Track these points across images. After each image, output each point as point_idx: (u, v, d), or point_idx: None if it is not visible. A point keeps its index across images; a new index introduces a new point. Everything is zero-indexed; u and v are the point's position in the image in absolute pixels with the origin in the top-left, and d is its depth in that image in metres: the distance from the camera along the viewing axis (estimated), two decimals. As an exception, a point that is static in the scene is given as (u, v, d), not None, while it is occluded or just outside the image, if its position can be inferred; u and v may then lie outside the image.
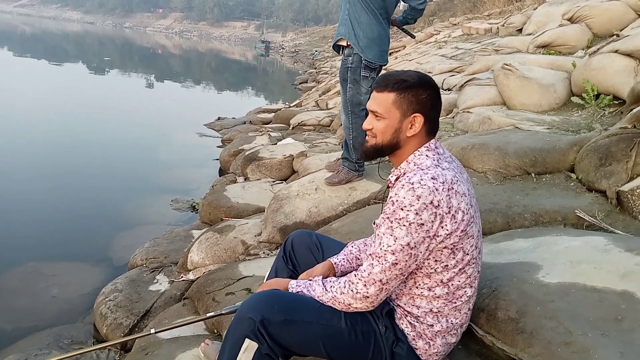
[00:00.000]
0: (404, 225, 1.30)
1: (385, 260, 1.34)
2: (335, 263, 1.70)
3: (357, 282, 1.39)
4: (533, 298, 1.58)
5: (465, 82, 5.36)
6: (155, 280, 3.18)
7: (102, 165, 6.68)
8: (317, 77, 18.88)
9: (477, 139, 3.33)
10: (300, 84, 19.05)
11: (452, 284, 1.41)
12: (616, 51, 3.98)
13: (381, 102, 1.42)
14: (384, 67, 3.24)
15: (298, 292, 1.51)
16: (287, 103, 12.24)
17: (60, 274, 3.62)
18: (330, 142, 5.53)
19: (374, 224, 1.50)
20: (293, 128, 7.27)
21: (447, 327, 1.45)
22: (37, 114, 9.29)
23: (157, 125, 9.98)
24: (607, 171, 2.56)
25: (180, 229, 4.15)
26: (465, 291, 1.44)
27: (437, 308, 1.43)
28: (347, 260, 1.71)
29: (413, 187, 1.30)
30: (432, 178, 1.32)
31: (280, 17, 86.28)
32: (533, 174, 2.90)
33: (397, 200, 1.31)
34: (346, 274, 1.67)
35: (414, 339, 1.46)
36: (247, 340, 1.37)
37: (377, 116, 1.44)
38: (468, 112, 4.49)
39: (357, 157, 3.35)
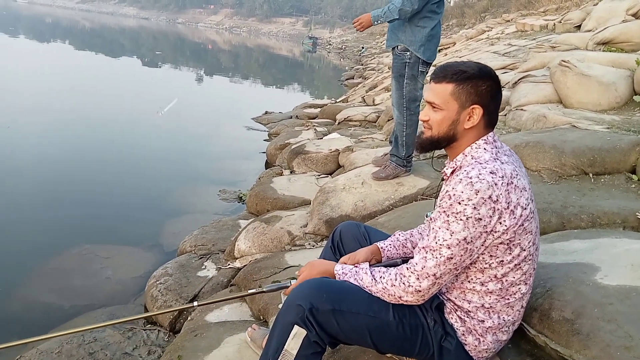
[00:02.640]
0: (460, 220, 1.28)
1: (440, 254, 1.31)
2: (382, 247, 1.70)
3: (410, 276, 1.37)
4: (590, 300, 1.52)
5: (519, 79, 5.20)
6: (203, 267, 3.27)
7: (154, 157, 6.93)
8: (364, 73, 18.79)
9: (531, 136, 3.23)
10: (346, 80, 19.03)
11: (506, 280, 1.38)
12: (686, 48, 3.76)
13: (439, 93, 1.39)
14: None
15: (344, 278, 1.51)
16: (333, 99, 12.25)
17: (114, 256, 3.78)
18: (376, 138, 5.50)
19: (427, 216, 1.48)
20: (339, 123, 7.27)
21: (499, 323, 1.42)
22: (92, 106, 9.72)
23: (207, 118, 10.24)
24: (673, 173, 2.42)
25: (228, 218, 4.25)
26: (520, 288, 1.40)
27: (489, 304, 1.40)
28: (394, 247, 1.71)
29: (471, 182, 1.27)
30: (490, 172, 1.29)
31: (328, 13, 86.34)
32: (591, 174, 2.79)
33: (454, 195, 1.29)
34: (392, 259, 1.67)
35: (463, 334, 1.44)
36: (295, 327, 1.38)
37: (434, 107, 1.41)
38: (521, 109, 4.35)
39: (408, 153, 3.32)
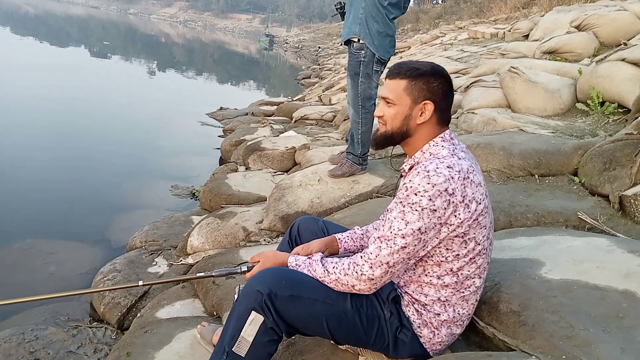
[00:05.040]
0: (416, 210, 1.31)
1: (394, 243, 1.34)
2: (339, 239, 1.72)
3: (363, 264, 1.39)
4: (536, 292, 1.60)
5: (470, 84, 5.38)
6: (154, 263, 3.18)
7: (103, 150, 6.65)
8: (321, 73, 18.88)
9: (482, 138, 3.35)
10: (303, 79, 19.05)
11: (462, 274, 1.42)
12: (623, 59, 4.00)
13: (393, 88, 1.44)
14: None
15: (297, 269, 1.51)
16: (289, 97, 12.22)
17: (58, 252, 3.60)
18: (332, 137, 5.53)
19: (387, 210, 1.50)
20: (295, 121, 7.27)
21: (454, 316, 1.46)
22: (38, 97, 9.24)
23: (159, 112, 9.94)
24: (610, 176, 2.58)
25: (180, 214, 4.15)
26: (474, 281, 1.45)
27: (445, 297, 1.44)
28: (352, 239, 1.73)
29: (428, 175, 1.31)
30: (447, 167, 1.33)
31: (285, 11, 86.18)
32: (536, 176, 2.92)
33: (411, 187, 1.32)
34: (349, 251, 1.69)
35: (419, 326, 1.47)
36: (253, 313, 1.37)
37: (388, 103, 1.45)
38: (472, 112, 4.50)
39: (364, 151, 3.36)
